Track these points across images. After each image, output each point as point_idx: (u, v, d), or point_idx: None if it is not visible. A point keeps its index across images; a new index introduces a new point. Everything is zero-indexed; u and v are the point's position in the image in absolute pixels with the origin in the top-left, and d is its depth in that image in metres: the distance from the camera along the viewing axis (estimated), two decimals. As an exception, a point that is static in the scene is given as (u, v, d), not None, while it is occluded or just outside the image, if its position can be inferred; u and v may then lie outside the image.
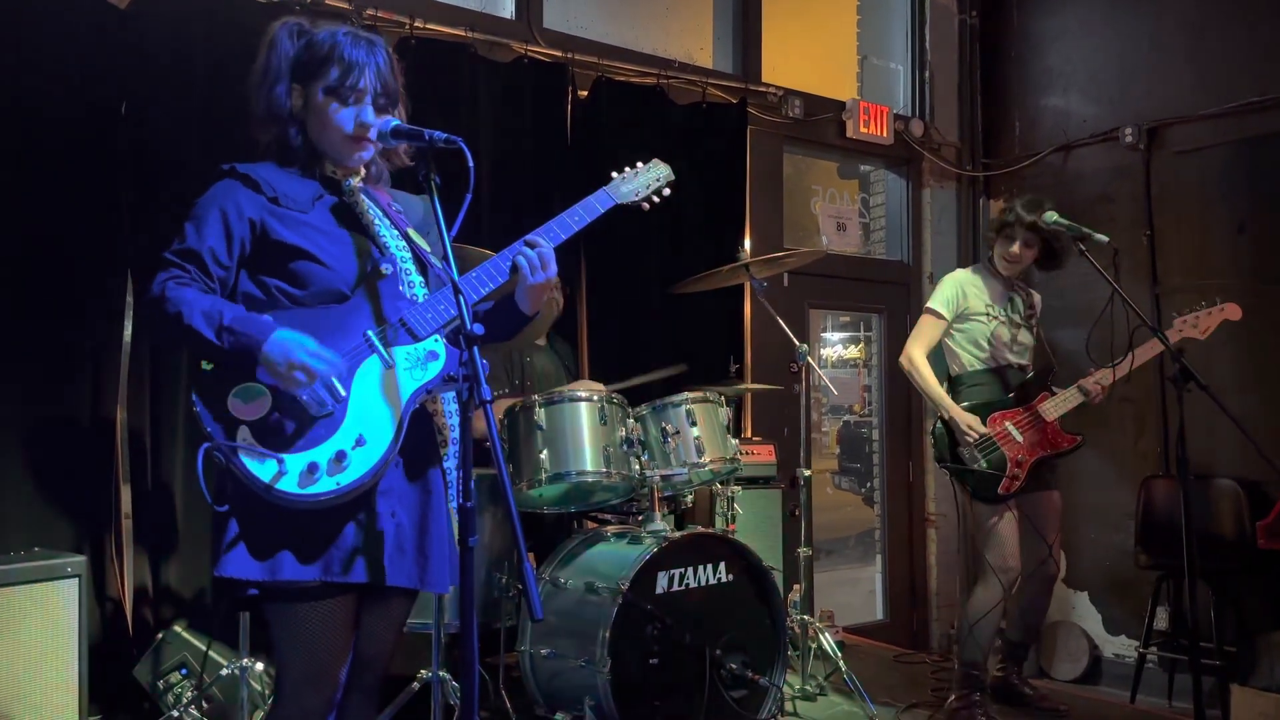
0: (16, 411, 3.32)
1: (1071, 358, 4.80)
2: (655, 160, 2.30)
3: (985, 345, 3.63)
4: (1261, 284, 4.69)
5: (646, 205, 2.24)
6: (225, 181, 1.88)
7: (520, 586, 3.26)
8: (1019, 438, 3.50)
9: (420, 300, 1.92)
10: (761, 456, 4.57)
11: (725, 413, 3.50)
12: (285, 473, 1.71)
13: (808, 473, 3.84)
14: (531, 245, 1.95)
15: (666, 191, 2.28)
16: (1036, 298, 3.84)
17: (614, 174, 2.22)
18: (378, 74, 1.91)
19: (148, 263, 3.55)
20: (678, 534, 3.11)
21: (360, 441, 1.77)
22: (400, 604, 1.99)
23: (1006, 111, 5.99)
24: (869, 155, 5.94)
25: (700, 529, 3.27)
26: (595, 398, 3.24)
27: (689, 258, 4.56)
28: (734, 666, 3.09)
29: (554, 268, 1.96)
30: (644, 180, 2.24)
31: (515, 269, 1.95)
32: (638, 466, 3.27)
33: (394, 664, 2.03)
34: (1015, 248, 3.62)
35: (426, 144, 1.81)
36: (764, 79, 5.31)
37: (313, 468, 1.72)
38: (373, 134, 1.89)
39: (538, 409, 3.19)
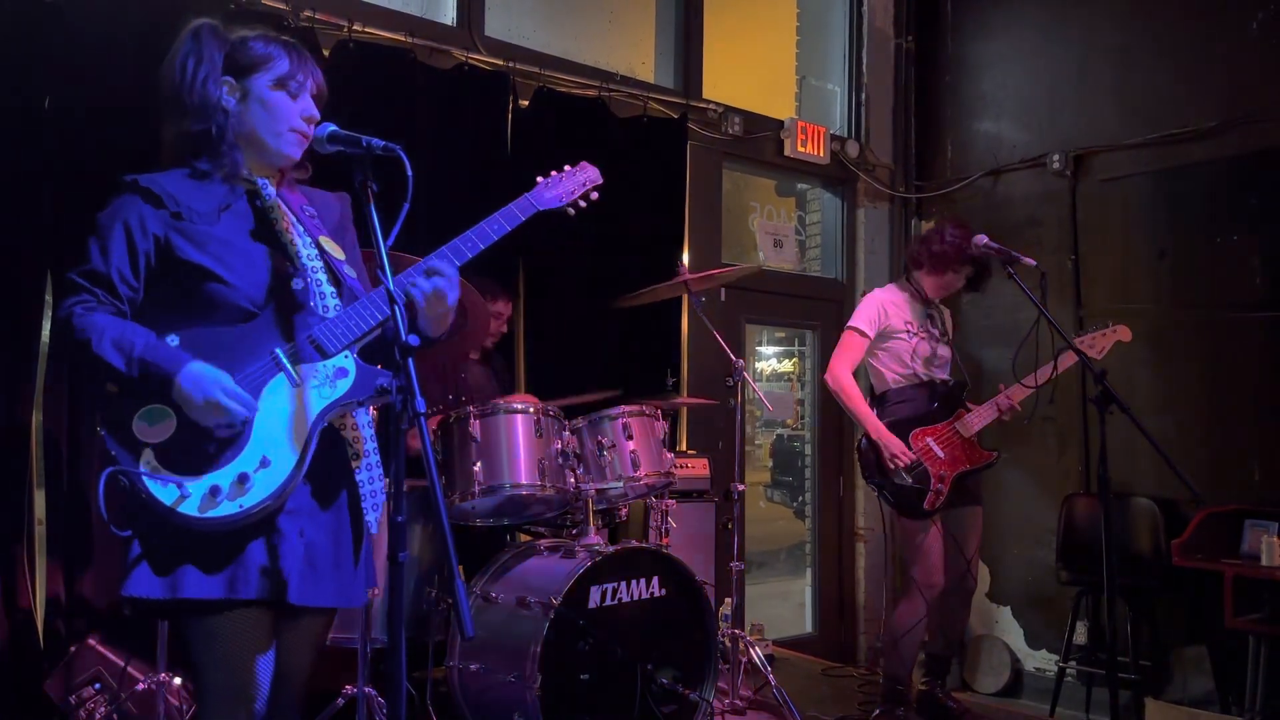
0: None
1: (995, 376, 4.92)
2: (583, 163, 2.25)
3: (908, 361, 3.71)
4: (1179, 309, 4.86)
5: (572, 210, 2.21)
6: (126, 197, 1.84)
7: (450, 601, 3.23)
8: (940, 453, 3.58)
9: (331, 314, 1.88)
10: (696, 470, 4.59)
11: (661, 426, 3.50)
12: (187, 496, 1.69)
13: (742, 487, 3.86)
14: (430, 274, 1.88)
15: (594, 196, 2.23)
16: (947, 313, 3.96)
17: (539, 178, 2.18)
18: (314, 76, 1.95)
19: (70, 261, 3.49)
20: (611, 548, 3.10)
21: (264, 463, 1.75)
22: (317, 620, 1.96)
23: (939, 135, 6.12)
24: (806, 174, 6.02)
25: (634, 543, 3.26)
26: (531, 410, 3.22)
27: (628, 271, 4.55)
28: (664, 681, 3.09)
29: (454, 294, 1.89)
30: (569, 185, 2.20)
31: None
32: (573, 480, 3.26)
33: (319, 679, 1.99)
34: (960, 280, 3.72)
35: (364, 151, 1.79)
36: (705, 95, 5.35)
37: (214, 491, 1.71)
38: (312, 131, 1.88)
39: (473, 421, 3.16)
